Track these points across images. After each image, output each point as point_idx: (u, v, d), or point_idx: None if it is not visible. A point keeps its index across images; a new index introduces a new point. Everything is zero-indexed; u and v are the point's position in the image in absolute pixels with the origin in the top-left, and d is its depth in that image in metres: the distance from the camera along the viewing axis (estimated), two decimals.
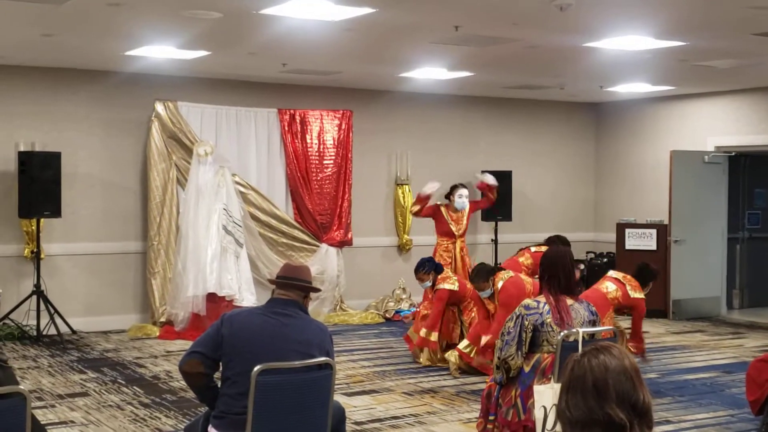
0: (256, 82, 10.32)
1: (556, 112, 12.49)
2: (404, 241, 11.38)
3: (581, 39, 7.46)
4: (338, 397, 6.38)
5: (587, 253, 12.07)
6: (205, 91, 10.07)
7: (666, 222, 10.96)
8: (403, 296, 10.97)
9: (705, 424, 6.15)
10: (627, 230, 11.14)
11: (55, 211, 8.93)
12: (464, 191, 9.28)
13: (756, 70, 9.17)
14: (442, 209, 9.22)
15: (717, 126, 11.29)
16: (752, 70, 9.15)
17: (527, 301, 4.75)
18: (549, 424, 4.24)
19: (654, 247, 11.00)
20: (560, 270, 4.75)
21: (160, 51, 8.17)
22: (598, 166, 12.85)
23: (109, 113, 9.70)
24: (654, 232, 11.04)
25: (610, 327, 5.07)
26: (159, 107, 9.67)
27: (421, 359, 7.97)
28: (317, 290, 4.32)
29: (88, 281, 9.64)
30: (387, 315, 10.61)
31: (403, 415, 6.31)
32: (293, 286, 4.05)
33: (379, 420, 6.18)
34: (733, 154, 11.29)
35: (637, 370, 2.23)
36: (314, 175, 10.59)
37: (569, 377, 2.23)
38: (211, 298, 9.20)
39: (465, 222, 9.34)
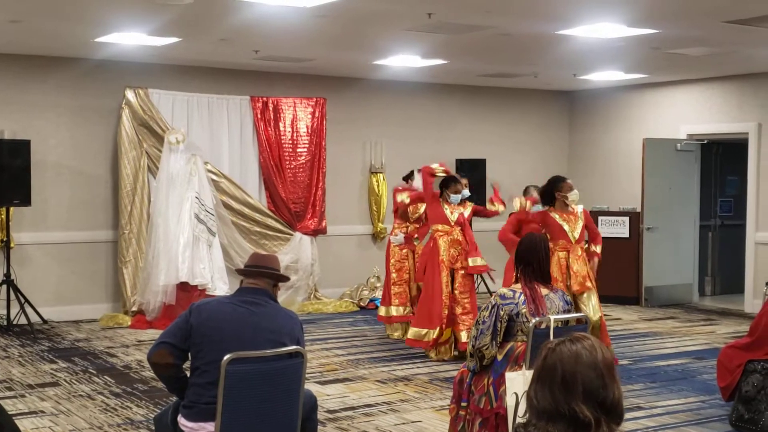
0: (228, 69, 10.23)
1: (530, 100, 12.51)
2: (378, 229, 11.36)
3: (554, 26, 7.45)
4: (311, 386, 6.37)
5: None
6: (177, 78, 9.97)
7: (638, 209, 11.03)
8: (378, 285, 10.95)
9: (676, 410, 6.20)
10: (600, 218, 11.19)
11: (25, 200, 8.82)
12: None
13: (728, 57, 9.22)
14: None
15: (689, 114, 11.36)
16: (724, 58, 9.20)
17: (503, 290, 4.75)
18: (520, 411, 4.24)
19: (627, 234, 11.07)
20: (535, 258, 4.75)
21: (130, 37, 8.07)
22: (571, 153, 12.89)
23: (79, 101, 9.57)
24: (627, 219, 11.10)
25: (582, 314, 5.07)
26: (130, 94, 9.56)
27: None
28: (286, 279, 4.29)
29: (58, 270, 9.54)
30: (361, 303, 10.59)
31: (377, 403, 6.30)
32: (262, 275, 4.03)
33: (353, 408, 6.17)
34: (705, 141, 11.37)
35: (611, 365, 2.22)
36: (288, 163, 10.53)
37: (541, 366, 2.22)
38: (183, 287, 9.14)
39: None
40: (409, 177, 9.20)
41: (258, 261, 4.10)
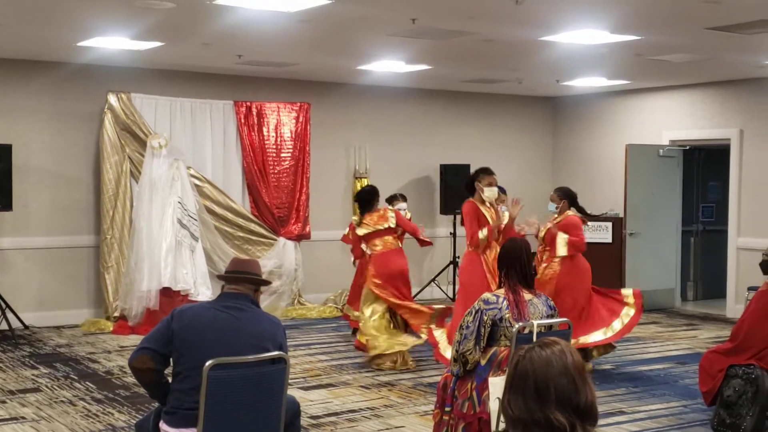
0: (211, 74, 10.21)
1: (514, 106, 12.55)
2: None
3: (537, 33, 7.48)
4: (295, 391, 6.35)
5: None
6: (159, 82, 9.93)
7: (621, 215, 11.07)
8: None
9: (659, 415, 6.22)
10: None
11: (6, 205, 8.75)
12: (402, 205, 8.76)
13: (710, 64, 9.28)
14: None
15: (672, 120, 11.42)
16: (706, 64, 9.26)
17: (486, 295, 4.74)
18: (503, 417, 4.24)
19: (609, 239, 11.11)
20: (517, 263, 4.76)
21: (112, 42, 8.04)
22: (554, 159, 12.93)
23: (61, 105, 9.52)
24: (609, 225, 11.14)
25: (565, 319, 5.08)
26: (112, 99, 9.51)
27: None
28: (267, 283, 4.28)
29: (40, 275, 9.47)
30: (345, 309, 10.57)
31: (360, 409, 6.28)
32: (243, 280, 4.01)
33: (336, 414, 6.15)
34: (688, 147, 11.43)
35: (582, 367, 2.22)
36: (271, 168, 10.50)
37: (513, 374, 2.22)
38: (166, 292, 9.09)
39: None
40: (392, 200, 9.01)
41: (238, 266, 4.09)
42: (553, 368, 2.16)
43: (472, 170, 11.50)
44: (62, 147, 9.56)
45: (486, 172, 7.18)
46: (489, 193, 7.02)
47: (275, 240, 10.48)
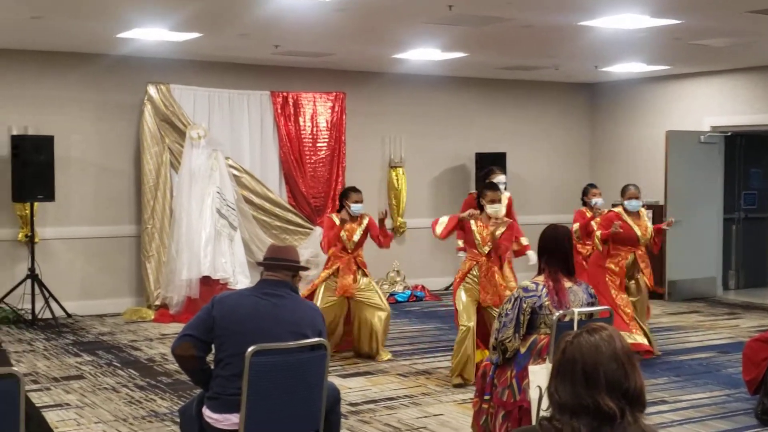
0: (248, 65, 10.26)
1: (551, 93, 12.44)
2: (398, 223, 11.36)
3: (576, 17, 7.40)
4: (333, 379, 6.36)
5: None
6: (198, 73, 10.00)
7: (662, 203, 10.94)
8: (398, 279, 10.96)
9: (701, 404, 6.15)
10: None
11: (49, 195, 8.88)
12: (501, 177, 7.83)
13: (752, 48, 9.12)
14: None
15: (713, 106, 11.25)
16: (748, 48, 9.11)
17: (525, 283, 4.71)
18: (544, 405, 4.22)
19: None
20: (558, 250, 4.72)
21: (151, 33, 8.10)
22: (592, 147, 12.81)
23: (101, 96, 9.63)
24: (650, 213, 10.98)
25: (607, 307, 5.04)
26: (151, 90, 9.60)
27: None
28: (305, 269, 4.31)
29: (82, 265, 9.61)
30: None
31: (398, 396, 6.30)
32: (281, 267, 4.03)
33: (374, 401, 6.17)
34: (729, 134, 11.26)
35: (630, 353, 2.20)
36: (308, 157, 10.54)
37: (560, 360, 2.20)
38: (206, 281, 9.18)
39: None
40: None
41: (276, 253, 4.10)
42: (602, 353, 2.14)
43: (508, 158, 11.59)
44: (103, 138, 9.67)
45: (488, 187, 6.80)
46: (492, 209, 6.64)
47: (312, 229, 10.52)
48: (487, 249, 6.65)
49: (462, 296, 6.65)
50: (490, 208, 6.64)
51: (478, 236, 6.66)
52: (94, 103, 9.61)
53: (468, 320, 6.55)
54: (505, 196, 6.99)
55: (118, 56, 9.44)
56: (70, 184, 9.44)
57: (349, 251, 7.42)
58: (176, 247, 9.31)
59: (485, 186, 6.86)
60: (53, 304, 8.93)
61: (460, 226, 6.79)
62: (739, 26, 7.78)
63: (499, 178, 7.76)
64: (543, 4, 6.87)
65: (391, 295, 10.67)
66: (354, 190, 7.46)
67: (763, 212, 11.18)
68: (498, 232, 6.66)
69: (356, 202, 7.35)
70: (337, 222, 7.35)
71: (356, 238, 7.41)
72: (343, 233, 7.34)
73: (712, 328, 9.04)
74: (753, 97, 10.81)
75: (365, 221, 7.47)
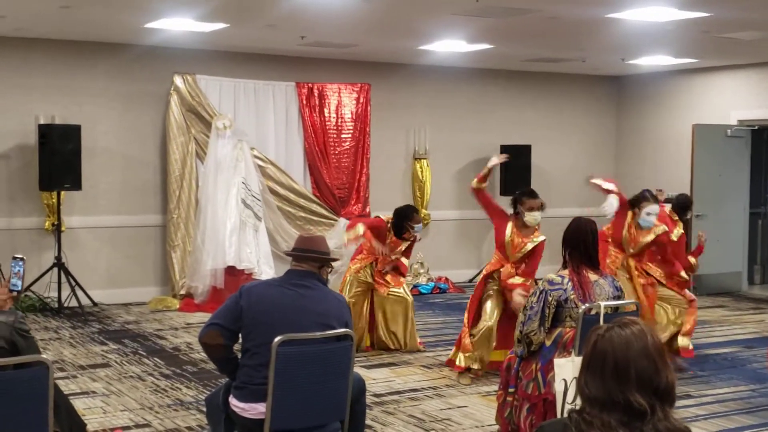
0: (274, 55, 10.28)
1: (577, 86, 12.37)
2: (422, 215, 11.34)
3: (603, 10, 7.36)
4: (358, 370, 6.38)
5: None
6: (224, 64, 10.04)
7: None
8: (421, 270, 10.96)
9: (726, 399, 6.12)
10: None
11: (76, 184, 8.96)
12: (654, 208, 6.70)
13: None
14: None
15: (740, 99, 11.14)
16: None
17: (551, 276, 4.70)
18: (569, 398, 4.21)
19: None
20: (581, 243, 4.70)
21: (178, 23, 8.14)
22: (618, 140, 12.73)
23: (128, 86, 9.69)
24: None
25: (633, 301, 5.02)
26: (178, 80, 9.65)
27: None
28: (334, 260, 4.31)
29: (108, 254, 9.69)
30: None
31: (422, 388, 6.31)
32: (310, 258, 4.04)
33: (398, 392, 6.19)
34: (756, 127, 11.15)
35: (661, 348, 2.19)
36: (332, 149, 10.56)
37: (591, 353, 2.19)
38: (230, 271, 9.23)
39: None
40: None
41: (304, 244, 4.11)
42: (633, 349, 2.13)
43: (533, 151, 11.54)
44: (129, 128, 9.74)
45: (527, 194, 6.54)
46: (531, 217, 6.42)
47: (336, 220, 10.54)
48: (517, 257, 6.49)
49: (484, 295, 6.58)
50: (528, 216, 6.42)
51: (508, 241, 6.50)
52: (121, 93, 9.67)
53: (489, 318, 6.49)
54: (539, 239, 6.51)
55: (145, 46, 9.49)
56: (97, 173, 9.52)
57: (385, 255, 7.43)
58: (201, 237, 9.37)
59: (524, 193, 6.57)
60: (79, 293, 9.01)
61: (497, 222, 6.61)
62: (767, 19, 7.70)
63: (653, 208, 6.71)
64: None
65: (415, 286, 10.68)
66: (416, 210, 7.46)
67: None
68: (528, 247, 6.47)
69: (419, 222, 7.38)
70: (387, 222, 7.38)
71: (398, 249, 7.45)
72: (387, 245, 7.35)
73: (737, 323, 8.97)
74: None
75: (410, 240, 7.45)
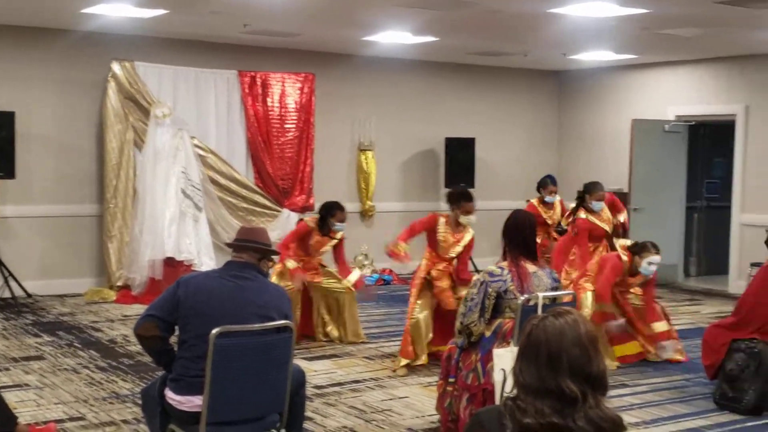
0: (216, 43, 10.14)
1: (520, 80, 12.48)
2: (367, 207, 11.34)
3: (545, 5, 7.41)
4: (299, 362, 6.34)
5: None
6: (164, 51, 9.87)
7: (626, 190, 11.03)
8: (366, 262, 10.95)
9: (661, 388, 6.23)
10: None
11: (9, 172, 8.73)
12: (656, 258, 6.70)
13: (717, 39, 9.20)
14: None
15: (678, 95, 11.36)
16: (714, 39, 9.19)
17: (491, 267, 4.75)
18: (508, 387, 4.24)
19: None
20: (520, 235, 4.75)
21: (117, 9, 7.98)
22: (560, 133, 12.88)
23: (64, 73, 9.47)
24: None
25: (570, 292, 5.08)
26: (116, 67, 9.46)
27: None
28: (275, 252, 4.27)
29: (43, 244, 9.47)
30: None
31: (364, 379, 6.30)
32: (249, 248, 4.00)
33: (340, 384, 6.17)
34: (693, 123, 11.37)
35: (594, 337, 2.23)
36: (275, 139, 10.47)
37: (525, 342, 2.24)
38: (169, 262, 9.09)
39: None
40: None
41: (245, 235, 4.08)
42: (566, 338, 2.17)
43: (477, 144, 11.60)
44: (66, 115, 9.52)
45: (461, 196, 6.56)
46: (465, 220, 6.50)
47: (279, 211, 10.47)
48: (451, 255, 6.60)
49: (416, 292, 6.62)
50: (464, 218, 6.49)
51: (442, 241, 6.58)
52: (57, 80, 9.44)
53: (420, 311, 6.55)
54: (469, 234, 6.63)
55: (82, 32, 9.28)
56: (32, 161, 9.29)
57: (311, 256, 7.40)
58: (139, 228, 9.21)
59: (462, 195, 6.56)
60: (13, 284, 8.79)
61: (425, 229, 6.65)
62: (706, 16, 7.84)
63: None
64: None
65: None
66: (340, 208, 7.30)
67: (725, 201, 11.31)
68: (459, 248, 6.58)
69: (341, 221, 7.26)
70: (310, 223, 7.29)
71: (323, 249, 7.43)
72: (312, 245, 7.31)
73: (673, 314, 9.11)
74: (717, 87, 10.92)
75: (337, 238, 7.40)
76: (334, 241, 7.43)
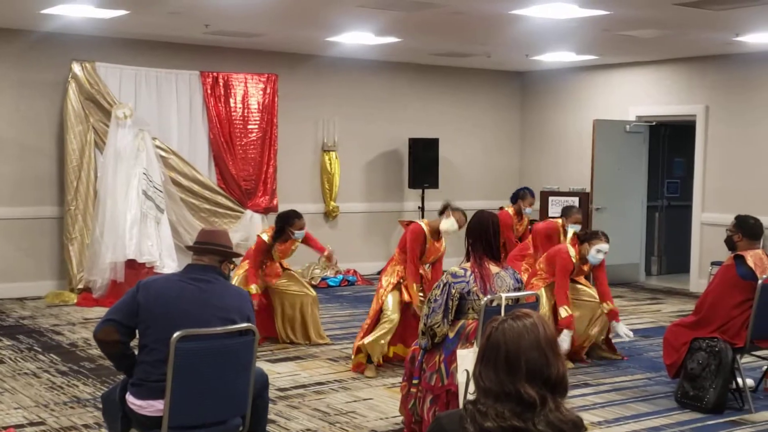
0: (177, 44, 10.06)
1: (483, 80, 12.53)
2: (331, 207, 11.32)
3: (507, 6, 7.45)
4: (262, 364, 6.32)
5: None
6: (125, 51, 9.76)
7: (588, 190, 11.14)
8: (330, 263, 10.91)
9: (623, 387, 6.29)
10: (550, 198, 11.28)
11: None
12: (605, 246, 6.77)
13: (677, 40, 9.32)
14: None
15: (638, 96, 11.48)
16: (673, 40, 9.31)
17: (454, 269, 4.76)
18: (471, 388, 4.26)
19: None
20: (483, 236, 4.76)
21: (77, 9, 7.88)
22: (523, 134, 12.96)
23: (24, 74, 9.33)
24: (576, 200, 11.21)
25: (533, 292, 5.11)
26: (76, 68, 9.34)
27: None
28: (236, 255, 4.24)
29: (2, 247, 9.32)
30: (313, 282, 10.53)
31: (328, 381, 6.29)
32: (210, 251, 3.97)
33: (304, 386, 6.15)
34: (654, 123, 11.51)
35: (552, 340, 2.23)
36: (238, 139, 10.41)
37: (485, 345, 2.24)
38: (131, 264, 9.00)
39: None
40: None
41: (206, 237, 4.05)
42: (524, 341, 2.17)
43: (441, 144, 11.63)
44: (25, 116, 9.38)
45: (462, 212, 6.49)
46: (446, 225, 6.44)
47: (242, 212, 10.41)
48: (432, 261, 6.65)
49: (390, 297, 6.55)
50: (449, 227, 6.43)
51: (428, 250, 6.57)
52: (15, 81, 9.30)
53: (393, 312, 6.50)
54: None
55: (42, 33, 9.15)
56: None
57: (274, 261, 7.38)
58: (100, 230, 9.10)
59: (457, 210, 6.49)
60: None
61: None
62: (665, 18, 7.93)
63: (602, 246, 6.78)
64: None
65: (323, 279, 10.65)
66: (298, 216, 7.28)
67: (686, 200, 11.47)
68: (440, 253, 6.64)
69: (300, 228, 7.26)
70: (266, 239, 7.23)
71: (290, 255, 7.44)
72: (275, 254, 7.29)
73: (634, 313, 9.25)
74: (677, 87, 11.06)
75: (296, 245, 7.41)
76: (296, 245, 7.41)
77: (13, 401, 5.66)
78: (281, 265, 7.51)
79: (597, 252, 6.70)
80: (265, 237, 7.29)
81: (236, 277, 7.28)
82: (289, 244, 7.37)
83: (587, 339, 6.97)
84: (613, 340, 7.12)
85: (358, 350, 6.53)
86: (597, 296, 6.91)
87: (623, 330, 6.75)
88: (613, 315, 6.81)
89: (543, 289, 6.82)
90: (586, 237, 6.82)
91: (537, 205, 11.58)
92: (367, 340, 6.46)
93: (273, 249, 7.29)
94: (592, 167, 10.99)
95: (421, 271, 6.66)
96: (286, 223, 7.24)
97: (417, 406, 4.82)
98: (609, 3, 7.31)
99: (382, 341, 6.47)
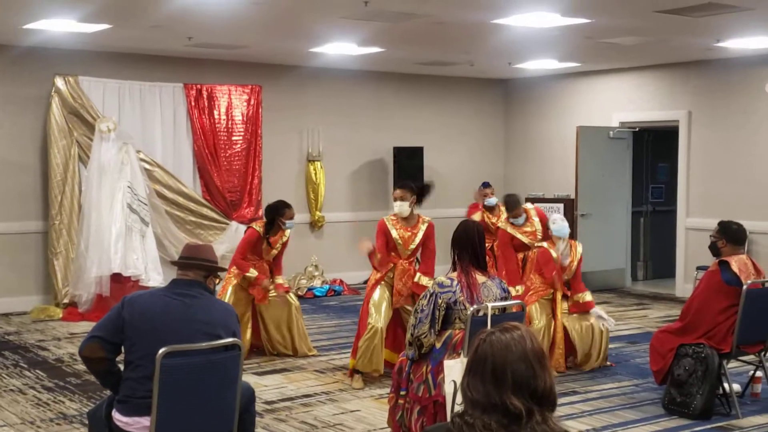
0: (160, 56, 10.04)
1: (466, 89, 12.57)
2: (316, 218, 11.31)
3: (489, 15, 7.48)
4: (249, 377, 6.32)
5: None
6: (108, 65, 9.74)
7: (573, 196, 11.18)
8: (316, 273, 10.92)
9: (610, 394, 6.31)
10: (535, 205, 11.29)
11: None
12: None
13: (659, 47, 9.38)
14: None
15: (621, 102, 11.55)
16: (655, 47, 9.37)
17: (441, 278, 4.75)
18: (459, 399, 4.26)
19: None
20: (469, 245, 4.77)
21: (59, 24, 7.85)
22: (507, 141, 13.00)
23: (6, 89, 9.29)
24: (561, 206, 11.25)
25: (519, 302, 5.12)
26: (59, 82, 9.31)
27: None
28: (221, 269, 4.23)
29: None
30: (299, 293, 10.52)
31: (315, 393, 6.28)
32: (195, 266, 3.96)
33: (291, 399, 6.14)
34: (637, 129, 11.57)
35: (540, 353, 2.23)
36: (223, 151, 10.39)
37: (473, 357, 2.25)
38: (116, 278, 8.96)
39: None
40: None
41: (191, 252, 4.04)
42: (511, 353, 2.18)
43: (425, 153, 11.66)
44: (8, 131, 9.34)
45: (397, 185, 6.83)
46: (398, 208, 6.53)
47: (227, 224, 10.39)
48: (411, 250, 6.62)
49: (375, 296, 6.56)
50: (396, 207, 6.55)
51: (399, 240, 6.59)
52: None
53: (376, 320, 6.47)
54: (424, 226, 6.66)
55: (24, 47, 9.12)
56: None
57: (263, 260, 7.34)
58: (85, 244, 9.06)
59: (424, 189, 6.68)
60: None
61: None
62: (647, 25, 7.99)
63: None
64: (457, 2, 6.91)
65: (309, 289, 10.64)
66: (288, 206, 7.29)
67: (670, 205, 11.53)
68: (417, 239, 6.60)
69: (291, 218, 7.26)
70: (258, 229, 7.22)
71: (275, 249, 7.34)
72: (265, 251, 7.26)
73: (621, 319, 9.27)
74: (660, 93, 11.13)
75: (286, 236, 7.37)
76: (286, 238, 7.38)
77: None
78: (269, 268, 7.43)
79: (553, 223, 6.99)
80: (258, 228, 7.26)
81: (228, 290, 7.22)
82: (279, 236, 7.34)
83: (587, 362, 6.98)
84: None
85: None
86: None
87: (602, 312, 6.95)
88: (589, 305, 6.95)
89: (537, 304, 6.86)
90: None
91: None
92: (359, 362, 6.43)
93: (262, 242, 7.21)
94: (577, 174, 11.04)
95: (406, 264, 6.59)
96: (277, 214, 7.22)
97: (405, 418, 4.81)
98: (591, 12, 7.36)
99: (371, 355, 6.41)
